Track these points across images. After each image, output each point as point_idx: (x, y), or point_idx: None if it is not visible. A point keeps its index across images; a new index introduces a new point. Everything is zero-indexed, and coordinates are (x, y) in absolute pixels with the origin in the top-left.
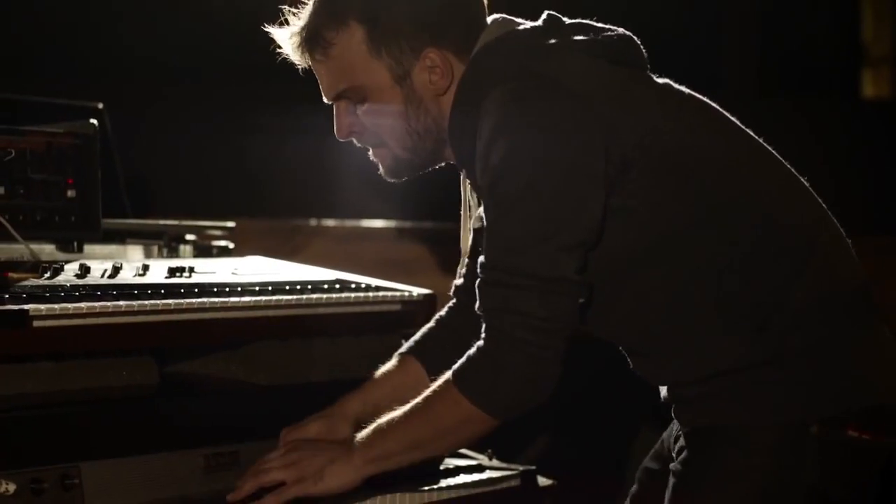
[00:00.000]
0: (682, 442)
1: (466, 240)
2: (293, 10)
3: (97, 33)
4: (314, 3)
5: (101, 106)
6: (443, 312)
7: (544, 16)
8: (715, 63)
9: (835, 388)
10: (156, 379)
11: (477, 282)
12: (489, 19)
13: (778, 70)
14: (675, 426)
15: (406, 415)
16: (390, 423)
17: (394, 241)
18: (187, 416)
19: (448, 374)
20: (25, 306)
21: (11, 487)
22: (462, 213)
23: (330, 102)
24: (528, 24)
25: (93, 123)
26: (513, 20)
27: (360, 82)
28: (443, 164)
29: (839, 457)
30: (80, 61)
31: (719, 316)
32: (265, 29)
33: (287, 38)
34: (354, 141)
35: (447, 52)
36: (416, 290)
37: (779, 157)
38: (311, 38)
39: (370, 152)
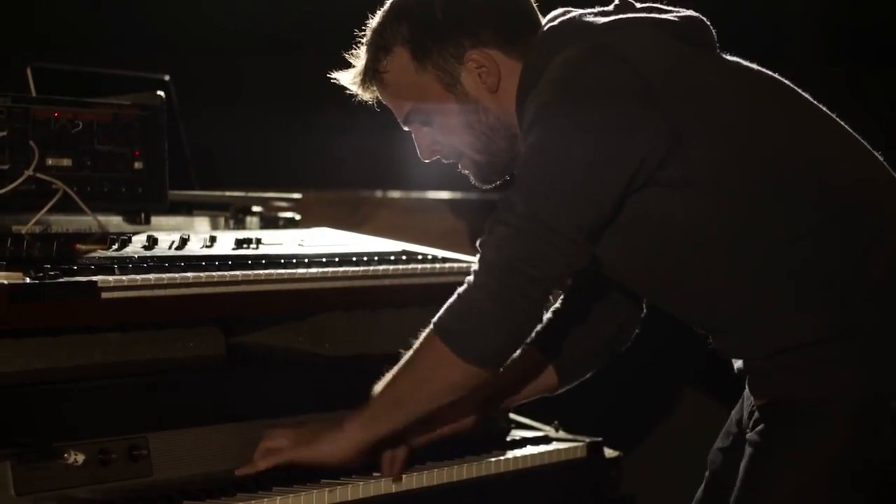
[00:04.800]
0: (757, 415)
1: None
2: (352, 53)
3: (164, 4)
4: (366, 43)
5: (167, 78)
6: (557, 304)
7: (616, 0)
8: (778, 29)
9: None
10: (222, 350)
11: None
12: (555, 11)
13: (844, 37)
14: (746, 401)
15: (392, 372)
16: (380, 384)
17: (460, 212)
18: (254, 387)
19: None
20: (94, 278)
21: (80, 458)
22: None
23: (407, 129)
24: (598, 9)
25: (159, 95)
26: (576, 10)
27: (417, 101)
28: None
29: None
30: (147, 33)
31: (794, 289)
32: (330, 77)
33: (350, 80)
34: (442, 159)
35: (490, 49)
36: None
37: (850, 129)
38: (367, 74)
39: (459, 166)
